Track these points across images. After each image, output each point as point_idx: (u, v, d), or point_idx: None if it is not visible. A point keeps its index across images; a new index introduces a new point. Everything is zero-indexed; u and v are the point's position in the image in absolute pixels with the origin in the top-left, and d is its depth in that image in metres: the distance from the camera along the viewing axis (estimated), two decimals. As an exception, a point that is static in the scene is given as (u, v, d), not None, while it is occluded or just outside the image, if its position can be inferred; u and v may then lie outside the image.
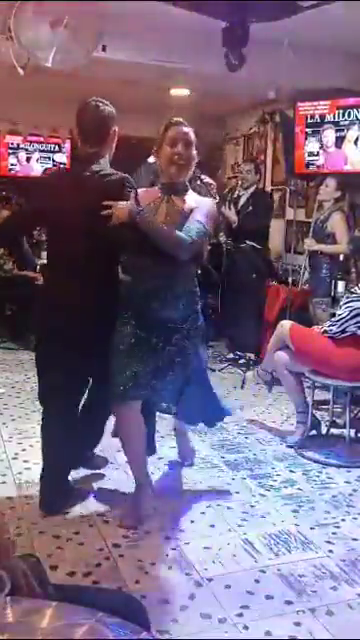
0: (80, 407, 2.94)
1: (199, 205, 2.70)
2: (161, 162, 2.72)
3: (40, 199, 2.87)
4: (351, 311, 3.50)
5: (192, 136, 2.71)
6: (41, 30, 3.74)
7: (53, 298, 2.78)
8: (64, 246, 2.73)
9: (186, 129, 2.70)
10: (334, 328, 3.54)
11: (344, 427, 3.66)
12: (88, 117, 2.77)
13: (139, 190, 2.68)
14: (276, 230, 6.35)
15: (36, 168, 7.60)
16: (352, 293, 3.61)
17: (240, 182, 5.93)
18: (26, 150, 7.55)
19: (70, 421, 2.83)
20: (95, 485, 3.11)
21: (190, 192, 2.77)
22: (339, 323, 3.52)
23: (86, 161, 2.76)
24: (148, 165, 3.48)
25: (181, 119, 2.74)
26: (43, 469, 2.84)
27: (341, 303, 3.67)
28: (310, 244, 4.93)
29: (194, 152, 2.71)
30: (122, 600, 1.31)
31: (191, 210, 2.66)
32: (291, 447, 3.67)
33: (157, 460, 3.30)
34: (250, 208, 5.53)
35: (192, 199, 2.74)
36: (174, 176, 2.70)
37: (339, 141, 5.09)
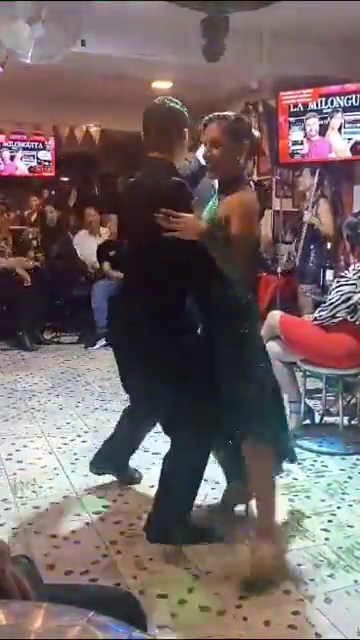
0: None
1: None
2: None
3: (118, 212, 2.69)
4: (341, 295, 3.47)
5: (218, 132, 2.29)
6: (19, 26, 3.70)
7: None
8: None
9: (212, 125, 2.32)
10: (324, 313, 3.52)
11: (337, 415, 3.67)
12: (156, 119, 2.44)
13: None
14: (263, 221, 6.34)
15: (20, 167, 7.57)
16: (342, 277, 3.58)
17: None
18: (9, 149, 7.51)
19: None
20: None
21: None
22: (330, 308, 3.49)
23: (153, 170, 2.41)
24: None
25: (213, 114, 2.35)
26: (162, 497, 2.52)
27: (331, 288, 3.64)
28: (311, 217, 4.99)
29: (220, 150, 2.29)
30: (117, 596, 1.30)
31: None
32: (285, 437, 3.67)
33: (152, 455, 3.29)
34: None
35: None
36: (211, 177, 2.44)
37: (323, 129, 5.09)
